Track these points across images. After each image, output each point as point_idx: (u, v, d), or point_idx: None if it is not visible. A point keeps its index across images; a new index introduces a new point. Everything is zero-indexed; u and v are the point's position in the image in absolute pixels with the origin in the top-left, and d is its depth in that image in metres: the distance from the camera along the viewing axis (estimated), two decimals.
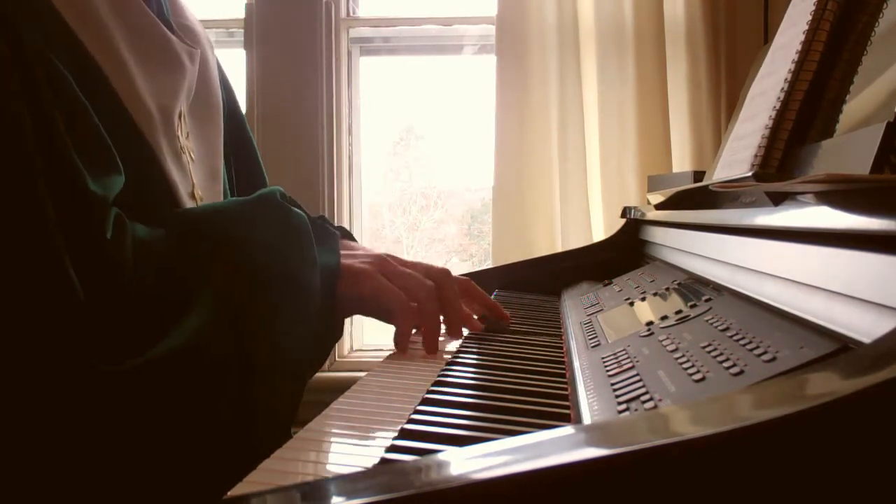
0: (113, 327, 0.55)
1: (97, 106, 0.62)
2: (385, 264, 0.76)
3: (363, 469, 0.42)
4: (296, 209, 0.74)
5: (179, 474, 0.56)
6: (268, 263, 0.66)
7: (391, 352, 0.76)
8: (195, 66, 0.79)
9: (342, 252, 0.76)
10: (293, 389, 0.66)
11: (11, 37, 0.56)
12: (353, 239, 0.94)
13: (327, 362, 1.66)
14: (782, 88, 0.69)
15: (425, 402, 0.54)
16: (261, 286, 0.64)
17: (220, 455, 0.56)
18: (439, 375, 0.62)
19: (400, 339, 0.75)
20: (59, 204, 0.54)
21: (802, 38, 0.68)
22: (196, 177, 0.77)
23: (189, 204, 0.73)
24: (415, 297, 0.75)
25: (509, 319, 0.86)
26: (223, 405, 0.58)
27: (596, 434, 0.31)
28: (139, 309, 0.58)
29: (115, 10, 0.68)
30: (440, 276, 0.79)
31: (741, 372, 0.42)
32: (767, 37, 1.58)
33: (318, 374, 0.72)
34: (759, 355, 0.43)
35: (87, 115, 0.61)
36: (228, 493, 0.37)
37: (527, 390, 0.58)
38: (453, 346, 0.77)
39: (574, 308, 0.91)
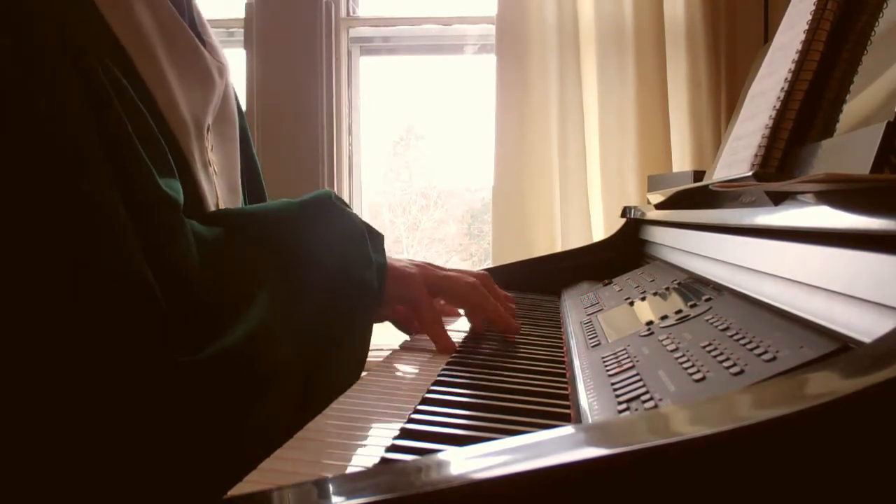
0: (183, 323, 0.56)
1: (134, 113, 0.63)
2: (427, 271, 0.80)
3: (363, 469, 0.42)
4: (349, 210, 0.77)
5: (212, 468, 0.56)
6: (326, 264, 0.68)
7: (391, 351, 0.76)
8: (223, 82, 0.80)
9: (392, 256, 0.80)
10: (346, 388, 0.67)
11: (73, 47, 0.57)
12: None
13: None
14: (782, 88, 0.69)
15: (425, 401, 0.54)
16: (319, 288, 0.66)
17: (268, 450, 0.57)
18: (439, 375, 0.62)
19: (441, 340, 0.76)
20: (131, 204, 0.56)
21: (802, 38, 0.68)
22: (220, 189, 0.78)
23: None
24: (463, 297, 0.81)
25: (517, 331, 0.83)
26: (273, 408, 0.59)
27: (596, 434, 0.31)
28: (203, 306, 0.59)
29: (155, 21, 0.69)
30: (480, 276, 0.85)
31: (741, 372, 0.42)
32: (767, 37, 1.58)
33: None
34: (759, 355, 0.43)
35: (147, 121, 0.62)
36: (228, 493, 0.37)
37: (527, 390, 0.58)
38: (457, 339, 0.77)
39: (574, 308, 0.91)
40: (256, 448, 0.53)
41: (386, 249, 0.80)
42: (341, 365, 0.67)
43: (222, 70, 0.79)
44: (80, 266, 0.53)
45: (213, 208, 0.74)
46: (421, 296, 0.77)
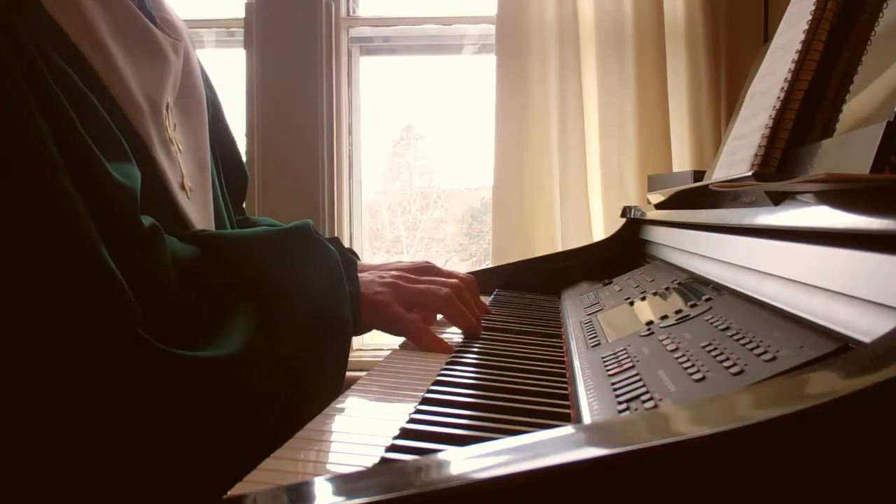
0: (158, 318, 0.56)
1: (86, 98, 0.62)
2: (399, 289, 0.80)
3: (363, 468, 0.42)
4: (325, 241, 0.76)
5: (192, 476, 0.56)
6: (303, 299, 0.68)
7: (391, 352, 0.76)
8: (180, 58, 0.79)
9: (363, 276, 0.80)
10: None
11: (9, 33, 0.55)
12: (353, 254, 0.97)
13: None
14: (782, 88, 0.69)
15: (426, 401, 0.54)
16: (295, 323, 0.66)
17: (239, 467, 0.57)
18: (439, 375, 0.62)
19: (434, 346, 0.77)
20: (85, 195, 0.54)
21: (802, 37, 0.68)
22: (185, 168, 0.77)
23: (178, 192, 0.74)
24: (436, 310, 0.82)
25: (478, 333, 0.84)
26: (244, 434, 0.58)
27: (596, 434, 0.31)
28: (179, 309, 0.59)
29: (98, 3, 0.68)
30: (463, 280, 0.86)
31: (741, 372, 0.42)
32: (767, 36, 1.58)
33: None
34: (759, 355, 0.43)
35: (93, 107, 0.61)
36: (228, 493, 0.37)
37: (527, 390, 0.58)
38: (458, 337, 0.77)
39: (574, 308, 0.91)
40: (222, 466, 0.53)
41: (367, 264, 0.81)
42: (315, 395, 0.66)
43: (178, 47, 0.78)
44: (44, 262, 0.52)
45: (176, 187, 0.73)
46: (397, 320, 0.77)
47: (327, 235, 1.63)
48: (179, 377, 0.54)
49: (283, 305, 0.66)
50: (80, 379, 0.52)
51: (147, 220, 0.60)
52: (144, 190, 0.67)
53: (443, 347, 0.75)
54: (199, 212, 0.77)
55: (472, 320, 0.81)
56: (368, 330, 0.80)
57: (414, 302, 0.80)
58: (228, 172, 0.95)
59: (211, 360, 0.56)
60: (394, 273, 0.83)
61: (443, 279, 0.85)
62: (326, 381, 0.68)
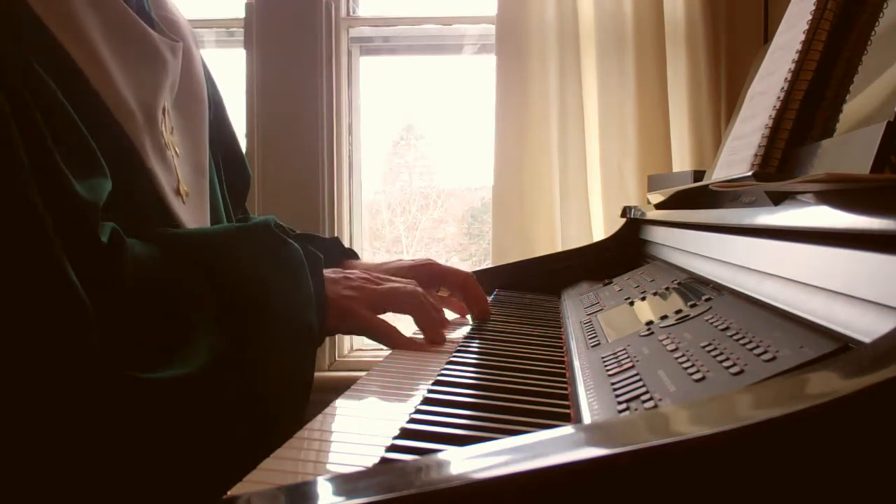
0: (119, 337, 0.55)
1: (76, 105, 0.61)
2: (365, 291, 0.78)
3: (363, 468, 0.42)
4: (290, 240, 0.74)
5: (181, 481, 0.56)
6: (263, 297, 0.66)
7: (391, 352, 0.76)
8: (178, 60, 0.78)
9: (329, 277, 0.77)
10: (292, 417, 0.66)
11: None
12: (353, 253, 0.97)
13: (327, 362, 1.66)
14: (782, 88, 0.69)
15: (426, 401, 0.54)
16: (258, 320, 0.64)
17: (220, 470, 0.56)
18: (439, 375, 0.62)
19: (405, 345, 0.77)
20: (48, 209, 0.53)
21: (802, 37, 0.68)
22: (181, 172, 0.76)
23: (173, 199, 0.73)
24: (403, 308, 0.80)
25: (488, 315, 0.90)
26: (227, 435, 0.58)
27: (596, 434, 0.31)
28: (140, 325, 0.58)
29: (91, 7, 0.67)
30: (423, 275, 0.86)
31: (741, 372, 0.42)
32: (767, 37, 1.58)
33: (319, 374, 0.72)
34: (759, 355, 0.43)
35: (69, 118, 0.60)
36: (228, 493, 0.37)
37: (527, 390, 0.58)
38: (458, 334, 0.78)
39: (574, 308, 0.91)
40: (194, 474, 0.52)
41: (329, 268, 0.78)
42: (285, 403, 0.65)
43: (176, 49, 0.77)
44: (6, 279, 0.51)
45: (170, 193, 0.73)
46: (367, 324, 0.77)
47: (327, 235, 1.63)
48: (144, 400, 0.53)
49: (246, 313, 0.64)
50: (40, 403, 0.51)
51: (107, 233, 0.58)
52: (135, 197, 0.67)
53: (414, 345, 0.74)
54: (194, 216, 0.77)
55: (436, 327, 0.79)
56: (333, 334, 0.80)
57: (382, 304, 0.79)
58: (230, 171, 0.94)
59: (176, 379, 0.55)
60: (363, 274, 0.82)
61: (408, 279, 0.84)
62: (295, 387, 0.67)
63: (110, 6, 0.70)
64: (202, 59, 0.91)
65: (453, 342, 0.78)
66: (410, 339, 0.77)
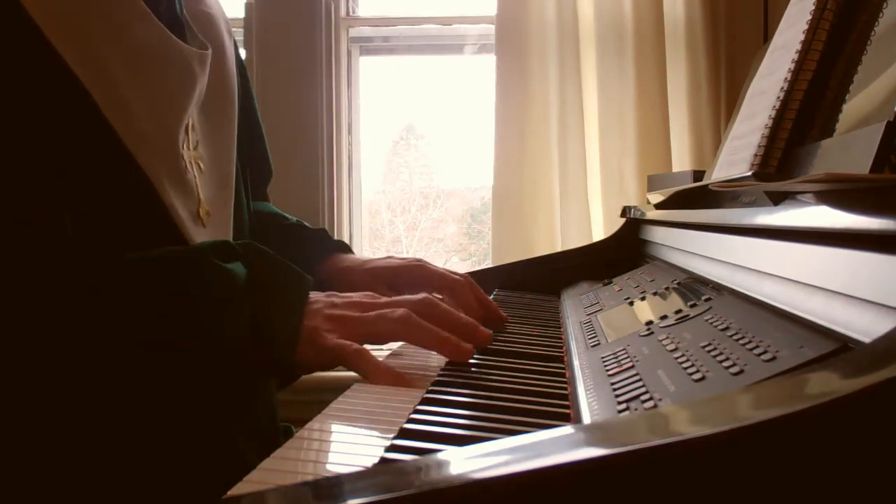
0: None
1: (80, 132, 0.61)
2: (346, 323, 0.66)
3: (363, 469, 0.42)
4: (228, 268, 0.64)
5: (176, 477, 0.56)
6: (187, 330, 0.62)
7: (391, 352, 0.76)
8: (206, 70, 0.75)
9: (312, 304, 0.67)
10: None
11: None
12: (339, 244, 0.95)
13: None
14: (782, 88, 0.69)
15: (425, 401, 0.54)
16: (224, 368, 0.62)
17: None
18: (439, 375, 0.62)
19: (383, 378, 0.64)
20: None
21: (802, 37, 0.68)
22: (204, 191, 0.74)
23: (191, 226, 0.71)
24: (394, 337, 0.69)
25: (506, 320, 0.86)
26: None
27: (595, 434, 0.31)
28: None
29: (113, 32, 0.65)
30: (415, 302, 0.69)
31: (741, 372, 0.42)
32: (767, 36, 1.58)
33: (318, 374, 0.71)
34: (759, 355, 0.43)
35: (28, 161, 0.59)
36: (228, 493, 0.37)
37: (527, 390, 0.58)
38: None
39: (574, 308, 0.91)
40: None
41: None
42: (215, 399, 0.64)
43: (204, 59, 0.74)
44: None
45: (187, 220, 0.70)
46: (349, 359, 0.64)
47: None
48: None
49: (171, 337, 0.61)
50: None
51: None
52: (147, 224, 0.66)
53: (397, 380, 0.62)
54: (214, 237, 0.74)
55: (439, 335, 0.66)
56: (311, 371, 0.67)
57: (366, 336, 0.67)
58: (252, 166, 0.92)
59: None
60: (345, 303, 0.69)
61: (400, 298, 0.71)
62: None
63: (137, 26, 0.67)
64: (235, 48, 0.88)
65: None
66: (393, 371, 0.64)
